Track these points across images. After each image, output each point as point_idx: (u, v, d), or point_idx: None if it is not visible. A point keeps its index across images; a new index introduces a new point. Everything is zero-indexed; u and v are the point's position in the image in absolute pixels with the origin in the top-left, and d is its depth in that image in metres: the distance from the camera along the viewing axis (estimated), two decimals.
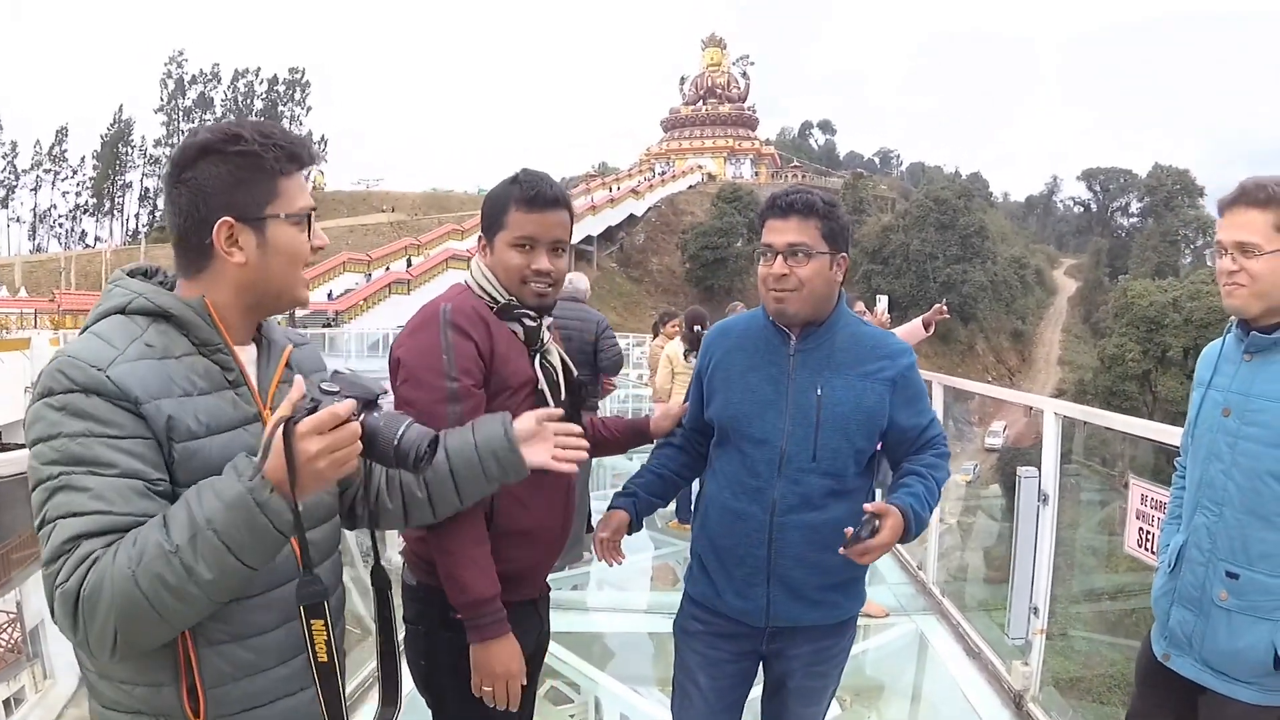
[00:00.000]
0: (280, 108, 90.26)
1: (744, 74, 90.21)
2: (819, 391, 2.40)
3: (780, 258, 2.37)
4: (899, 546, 7.17)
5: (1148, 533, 3.33)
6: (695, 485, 2.79)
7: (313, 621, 1.56)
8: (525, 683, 2.27)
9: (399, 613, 1.73)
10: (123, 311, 1.53)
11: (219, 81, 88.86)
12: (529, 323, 2.34)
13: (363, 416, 1.48)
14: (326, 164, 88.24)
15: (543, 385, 2.33)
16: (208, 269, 1.59)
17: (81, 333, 1.54)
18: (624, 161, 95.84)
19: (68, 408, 1.41)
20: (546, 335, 2.40)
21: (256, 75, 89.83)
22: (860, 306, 6.08)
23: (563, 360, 2.43)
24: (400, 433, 1.51)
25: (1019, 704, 4.29)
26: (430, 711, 2.47)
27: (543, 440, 2.08)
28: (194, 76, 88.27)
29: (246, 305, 1.62)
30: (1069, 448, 4.70)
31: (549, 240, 2.31)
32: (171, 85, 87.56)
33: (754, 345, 2.50)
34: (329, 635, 1.58)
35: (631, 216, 68.14)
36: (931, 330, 6.12)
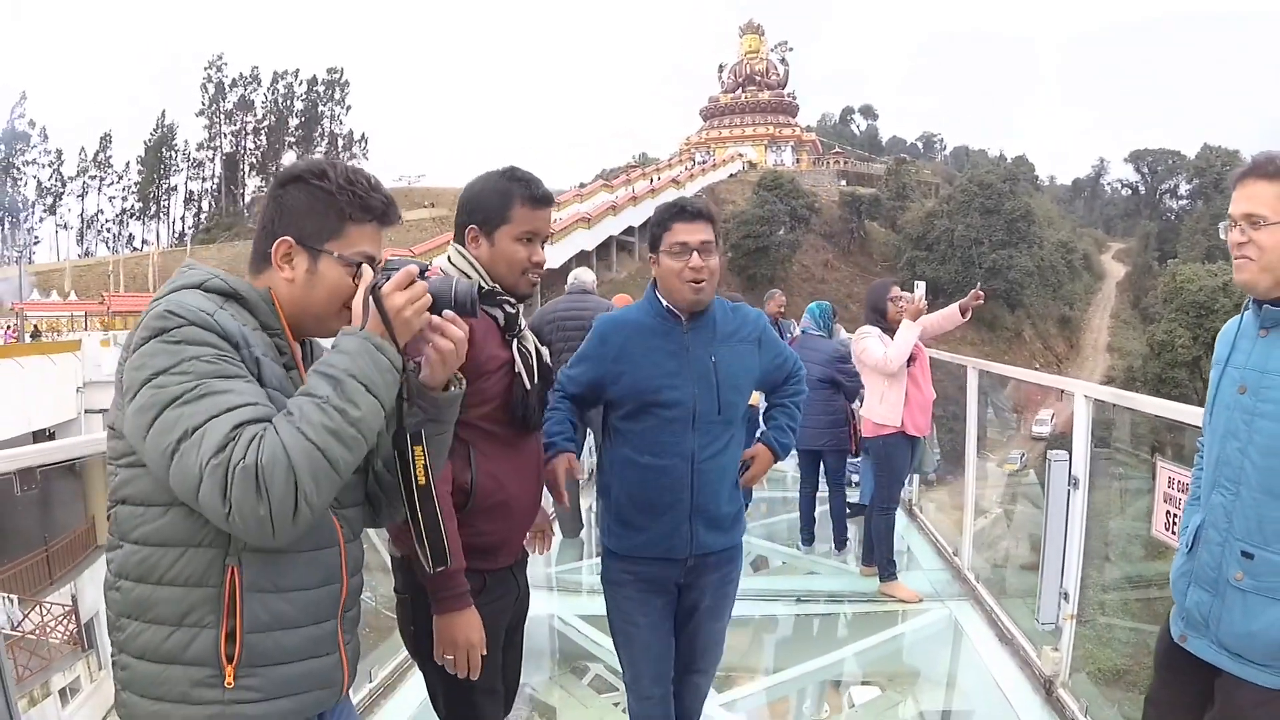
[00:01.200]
0: (320, 107, 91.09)
1: (783, 60, 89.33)
2: (713, 359, 2.91)
3: (696, 254, 2.83)
4: (938, 536, 7.18)
5: (1174, 515, 3.29)
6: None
7: (415, 447, 1.83)
8: (486, 652, 2.44)
9: (417, 475, 1.85)
10: (198, 287, 1.68)
11: (259, 84, 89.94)
12: (509, 309, 2.56)
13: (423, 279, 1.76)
14: (368, 162, 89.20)
15: (519, 368, 2.52)
16: (265, 273, 1.78)
17: (156, 300, 1.65)
18: (664, 152, 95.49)
19: (186, 339, 1.56)
20: (523, 321, 2.61)
21: (296, 76, 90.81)
22: (896, 291, 6.05)
23: (535, 346, 2.64)
24: (454, 285, 1.80)
25: (1049, 690, 4.28)
26: (422, 672, 2.63)
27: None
28: (234, 80, 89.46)
29: (289, 316, 1.78)
30: (1106, 434, 4.66)
31: (545, 234, 2.59)
32: (212, 89, 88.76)
33: (651, 330, 2.93)
34: (426, 461, 1.84)
35: None
36: (968, 315, 6.11)
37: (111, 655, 1.68)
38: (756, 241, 61.11)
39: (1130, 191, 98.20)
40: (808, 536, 7.22)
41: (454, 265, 2.54)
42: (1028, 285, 64.44)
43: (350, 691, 1.90)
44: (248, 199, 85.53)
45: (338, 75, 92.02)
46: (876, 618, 5.70)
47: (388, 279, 1.70)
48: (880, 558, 6.02)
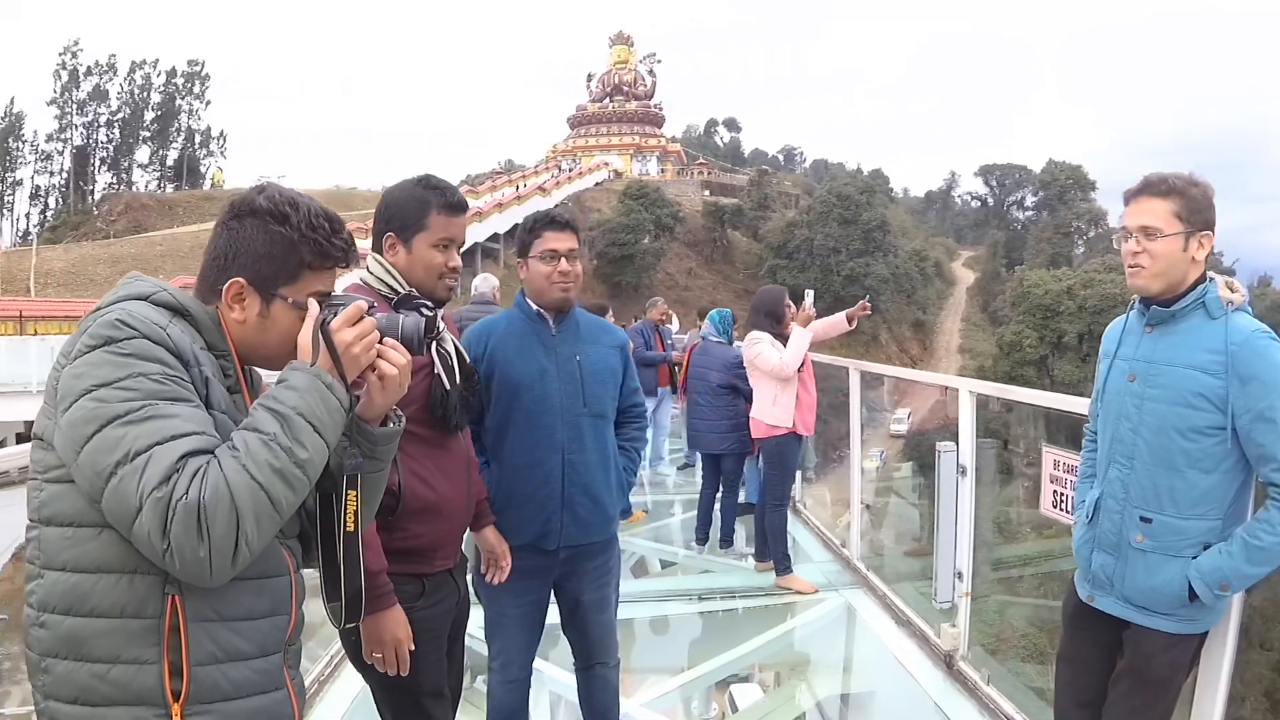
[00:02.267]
0: (179, 101, 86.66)
1: (651, 71, 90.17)
2: (578, 357, 3.15)
3: (564, 259, 3.08)
4: (824, 529, 7.47)
5: (1061, 494, 3.61)
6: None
7: (349, 491, 1.75)
8: (414, 647, 2.48)
9: (346, 520, 1.77)
10: (146, 299, 1.60)
11: (115, 73, 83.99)
12: (427, 312, 2.55)
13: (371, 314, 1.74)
14: (226, 160, 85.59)
15: (439, 370, 2.58)
16: (214, 305, 1.69)
17: (99, 309, 1.58)
18: (530, 158, 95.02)
19: (137, 352, 1.48)
20: (442, 324, 2.62)
21: (154, 67, 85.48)
22: (788, 301, 6.27)
23: (456, 347, 2.70)
24: (402, 322, 1.80)
25: (950, 663, 4.54)
26: (366, 683, 2.66)
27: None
28: (89, 68, 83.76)
29: (237, 352, 1.72)
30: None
31: (461, 240, 2.66)
32: (65, 77, 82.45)
33: (521, 332, 3.14)
34: (359, 508, 1.76)
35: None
36: (854, 325, 6.44)
37: (35, 705, 1.54)
38: (622, 250, 61.44)
39: (979, 203, 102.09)
40: (703, 536, 7.35)
41: (372, 274, 2.59)
42: (883, 291, 66.29)
43: None
44: (98, 195, 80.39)
45: (198, 68, 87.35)
46: (775, 610, 5.90)
47: (335, 314, 1.67)
48: (776, 552, 6.22)
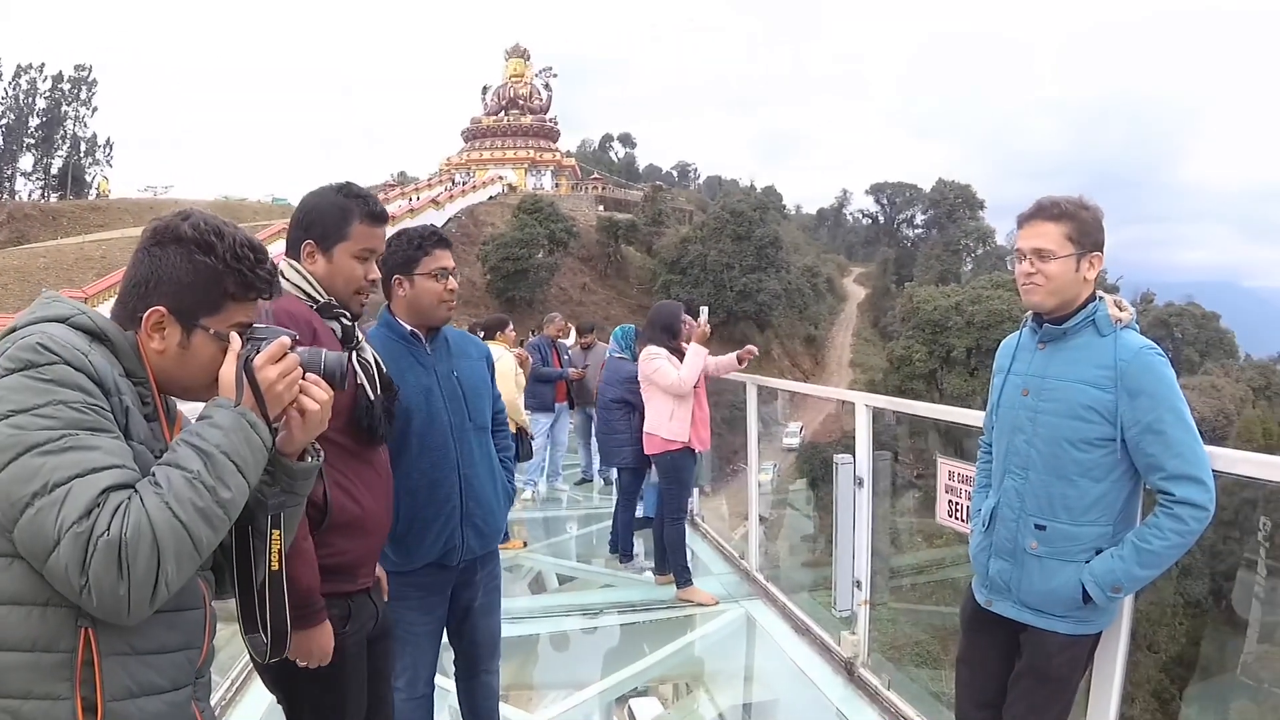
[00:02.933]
0: (64, 107, 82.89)
1: (546, 85, 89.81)
2: (456, 374, 3.16)
3: (451, 278, 3.09)
4: (722, 541, 7.55)
5: (956, 504, 3.72)
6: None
7: (274, 531, 1.76)
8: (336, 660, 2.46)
9: (271, 559, 1.77)
10: (64, 322, 1.56)
11: None
12: (346, 321, 2.56)
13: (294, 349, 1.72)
14: (113, 169, 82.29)
15: (361, 380, 2.55)
16: (133, 331, 1.65)
17: (13, 330, 1.54)
18: (423, 171, 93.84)
19: (57, 379, 1.44)
20: (360, 334, 2.63)
21: (40, 72, 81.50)
22: (685, 315, 6.34)
23: (375, 358, 2.65)
24: (324, 357, 1.80)
25: (851, 670, 4.64)
26: (283, 708, 2.58)
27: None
28: None
29: (155, 381, 1.68)
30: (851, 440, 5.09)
31: (380, 252, 2.64)
32: None
33: (397, 353, 3.04)
34: (282, 545, 1.77)
35: (433, 227, 66.67)
36: (744, 365, 6.55)
37: None
38: (516, 264, 61.08)
39: (870, 221, 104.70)
40: (614, 545, 7.40)
41: (288, 280, 2.52)
42: (776, 307, 67.34)
43: None
44: None
45: (85, 73, 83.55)
46: (676, 623, 5.93)
47: (257, 349, 1.66)
48: (675, 565, 6.26)
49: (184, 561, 1.45)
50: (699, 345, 5.98)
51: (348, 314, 2.57)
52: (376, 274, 2.60)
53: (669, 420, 6.09)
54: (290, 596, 2.30)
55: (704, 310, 6.16)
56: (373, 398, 2.55)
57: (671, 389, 5.99)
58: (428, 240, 3.09)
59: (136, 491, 1.43)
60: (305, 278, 2.52)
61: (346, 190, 2.56)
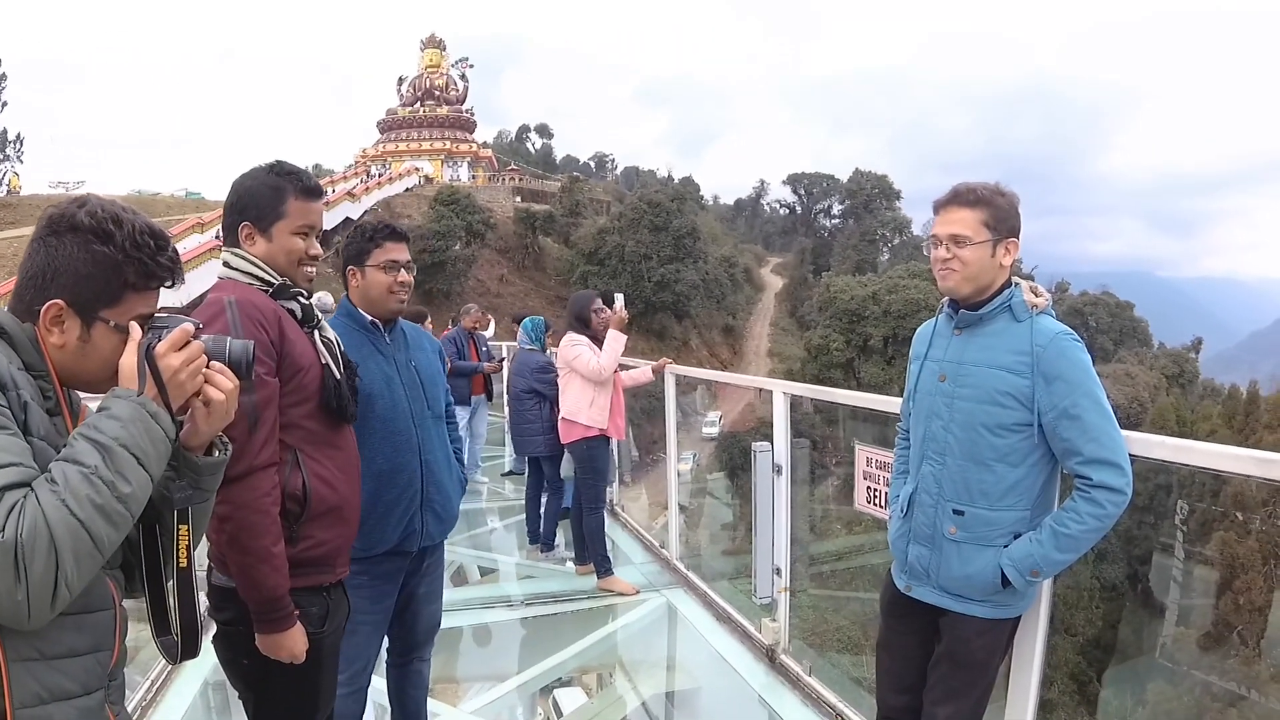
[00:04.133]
0: None
1: (463, 76, 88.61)
2: (413, 363, 3.20)
3: (404, 270, 3.12)
4: (642, 531, 7.57)
5: (875, 490, 3.76)
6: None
7: (180, 526, 1.68)
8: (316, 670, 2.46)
9: (179, 556, 1.70)
10: None
11: None
12: (304, 300, 2.54)
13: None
14: (23, 165, 79.21)
15: (326, 359, 2.52)
16: (31, 324, 1.59)
17: None
18: (338, 163, 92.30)
19: None
20: (318, 313, 2.60)
21: None
22: (598, 303, 6.37)
23: (335, 336, 2.64)
24: (229, 345, 1.75)
25: (772, 657, 4.68)
26: (246, 708, 2.56)
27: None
28: None
29: (57, 375, 1.63)
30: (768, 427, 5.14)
31: (319, 226, 2.59)
32: None
33: (358, 341, 3.06)
34: (190, 541, 1.69)
35: (347, 220, 65.68)
36: (660, 378, 6.73)
37: None
38: (433, 256, 60.30)
39: (788, 211, 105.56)
40: (534, 536, 7.41)
41: (234, 269, 2.47)
42: (693, 297, 67.55)
43: None
44: None
45: None
46: (597, 613, 5.93)
47: (159, 337, 1.60)
48: (595, 555, 6.27)
49: (84, 561, 1.39)
50: (617, 331, 5.99)
51: (305, 294, 2.55)
52: (317, 249, 2.56)
53: (589, 407, 6.12)
54: (259, 601, 2.30)
55: (619, 297, 6.18)
56: (338, 376, 2.53)
57: (591, 375, 6.02)
58: (379, 233, 3.14)
59: (32, 490, 1.37)
60: (253, 262, 2.47)
61: (278, 169, 2.51)
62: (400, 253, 3.14)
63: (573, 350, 6.14)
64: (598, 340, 6.13)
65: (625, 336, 6.07)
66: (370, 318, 3.14)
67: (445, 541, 3.46)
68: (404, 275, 3.12)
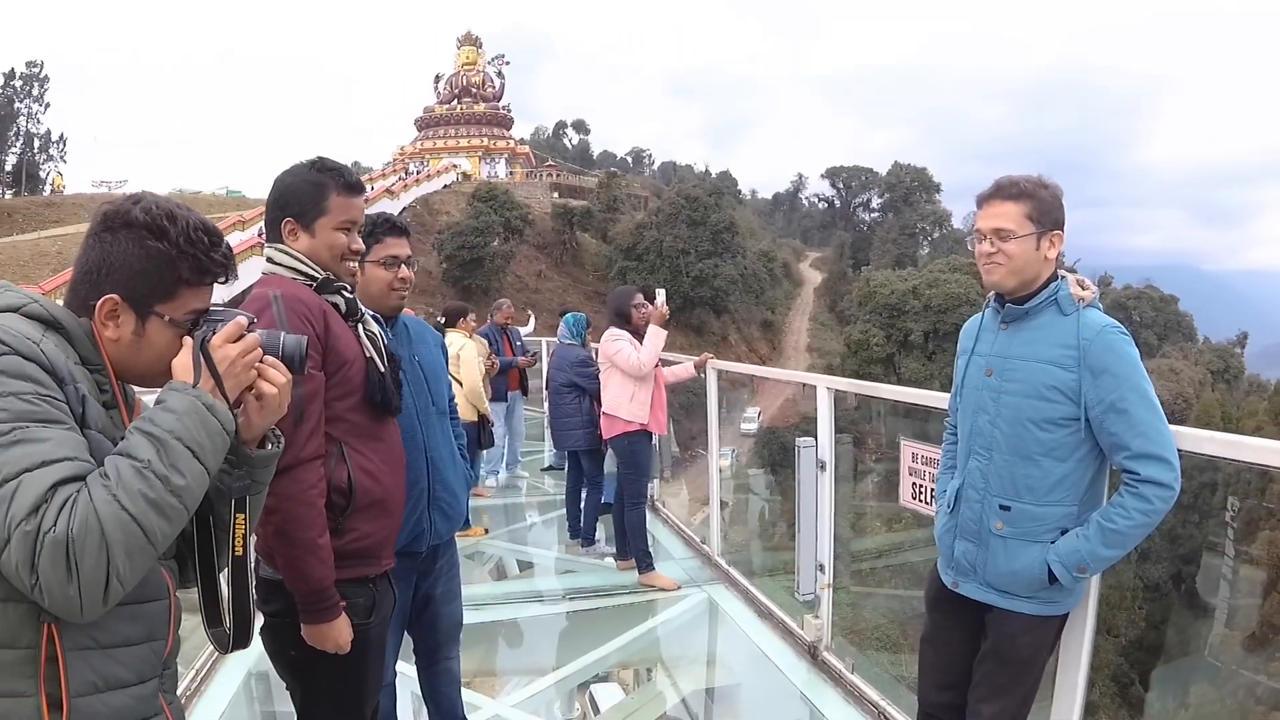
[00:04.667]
0: (17, 104, 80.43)
1: (499, 73, 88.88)
2: (417, 358, 3.12)
3: (404, 266, 3.05)
4: (683, 526, 7.55)
5: (920, 486, 3.72)
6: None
7: (237, 516, 1.69)
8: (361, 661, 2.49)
9: (235, 545, 1.71)
10: (17, 311, 1.53)
11: None
12: (348, 294, 2.56)
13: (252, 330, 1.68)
14: (66, 165, 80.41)
15: (370, 352, 2.55)
16: (87, 318, 1.60)
17: None
18: (377, 161, 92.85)
19: (8, 370, 1.40)
20: (361, 306, 2.62)
21: None
22: (639, 298, 6.37)
23: (378, 329, 2.67)
24: (282, 339, 1.76)
25: (814, 654, 4.65)
26: (293, 698, 2.59)
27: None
28: None
29: (111, 366, 1.63)
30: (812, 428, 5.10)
31: (361, 222, 2.61)
32: None
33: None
34: (246, 530, 1.70)
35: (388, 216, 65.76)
36: (702, 373, 6.69)
37: None
38: (471, 253, 60.66)
39: (826, 205, 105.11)
40: (574, 531, 7.43)
41: (278, 265, 2.50)
42: (732, 292, 67.38)
43: None
44: None
45: (37, 69, 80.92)
46: (638, 608, 5.92)
47: (214, 331, 1.62)
48: (636, 550, 6.27)
49: (136, 556, 1.39)
50: (658, 327, 5.99)
51: (348, 288, 2.56)
52: (360, 245, 2.58)
53: (629, 401, 6.12)
54: (305, 592, 2.33)
55: (660, 292, 6.18)
56: (382, 370, 2.55)
57: (631, 370, 6.03)
58: (379, 227, 3.06)
59: (86, 485, 1.38)
60: (296, 257, 2.50)
61: (319, 165, 2.54)
62: (400, 248, 3.08)
63: (613, 345, 6.16)
64: (638, 335, 6.13)
65: (665, 332, 6.07)
66: (371, 313, 3.08)
67: (461, 541, 3.42)
68: (404, 271, 3.07)
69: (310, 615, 2.37)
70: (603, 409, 6.37)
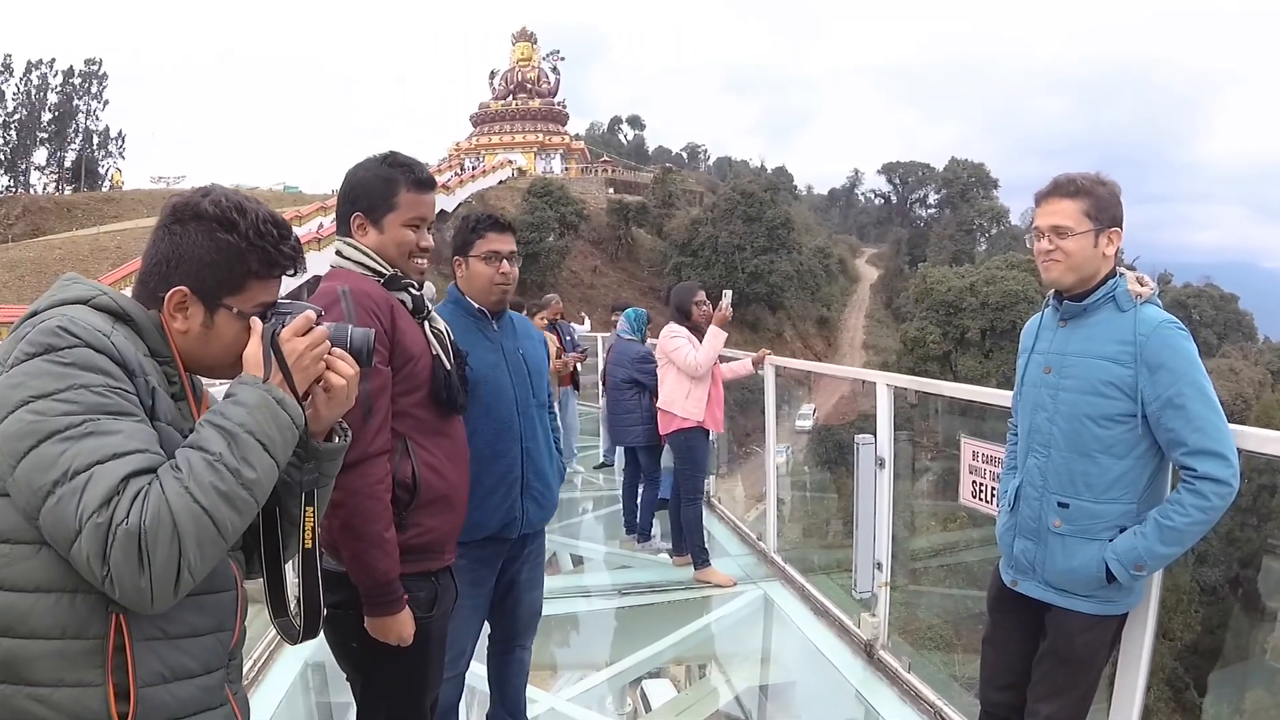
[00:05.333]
0: (76, 101, 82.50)
1: (554, 69, 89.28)
2: (520, 351, 3.21)
3: (506, 261, 3.12)
4: (738, 523, 7.54)
5: (980, 484, 3.69)
6: None
7: (306, 509, 1.71)
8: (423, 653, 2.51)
9: (304, 538, 1.74)
10: (86, 303, 1.53)
11: (10, 74, 78.87)
12: (415, 291, 2.58)
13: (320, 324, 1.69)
14: (125, 161, 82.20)
15: (436, 350, 2.56)
16: (156, 310, 1.61)
17: (33, 314, 1.50)
18: (432, 156, 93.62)
19: (78, 362, 1.40)
20: (429, 304, 2.63)
21: (51, 67, 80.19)
22: (701, 295, 6.37)
23: (445, 327, 2.69)
24: (350, 332, 1.76)
25: (870, 653, 4.63)
26: (353, 689, 2.63)
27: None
28: None
29: (180, 357, 1.64)
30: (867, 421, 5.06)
31: (431, 219, 2.59)
32: None
33: (466, 327, 3.08)
34: (315, 523, 1.73)
35: (442, 213, 66.17)
36: (760, 370, 6.70)
37: None
38: (527, 248, 60.72)
39: (883, 201, 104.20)
40: (630, 526, 7.45)
41: (346, 258, 2.52)
42: (787, 288, 67.08)
43: None
44: None
45: (96, 67, 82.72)
46: (693, 604, 5.94)
47: (283, 324, 1.62)
48: (693, 546, 6.28)
49: (207, 548, 1.40)
50: (718, 329, 5.99)
51: (415, 284, 2.58)
52: (429, 241, 2.59)
53: (685, 399, 6.13)
54: (370, 585, 2.35)
55: (727, 294, 6.17)
56: (449, 367, 2.57)
57: (688, 370, 6.04)
58: (482, 224, 3.15)
59: (158, 477, 1.38)
60: (365, 253, 2.52)
61: (391, 160, 2.54)
62: (503, 244, 3.13)
63: (672, 342, 6.18)
64: (698, 332, 6.13)
65: (725, 334, 6.07)
66: (477, 305, 3.16)
67: (544, 528, 3.47)
68: (506, 266, 3.12)
69: (374, 608, 2.40)
70: (659, 404, 6.38)
